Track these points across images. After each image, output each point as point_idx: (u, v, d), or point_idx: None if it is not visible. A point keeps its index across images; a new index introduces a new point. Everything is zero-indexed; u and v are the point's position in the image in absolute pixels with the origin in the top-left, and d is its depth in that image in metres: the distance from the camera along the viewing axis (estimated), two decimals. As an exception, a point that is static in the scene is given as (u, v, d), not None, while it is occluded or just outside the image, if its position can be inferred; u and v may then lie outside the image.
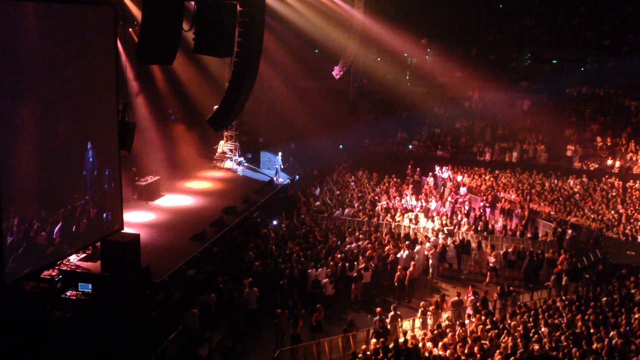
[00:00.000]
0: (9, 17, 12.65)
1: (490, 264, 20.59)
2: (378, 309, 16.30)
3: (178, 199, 24.24)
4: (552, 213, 24.78)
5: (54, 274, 15.25)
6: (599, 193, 27.21)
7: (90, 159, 15.63)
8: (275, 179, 28.05)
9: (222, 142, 29.93)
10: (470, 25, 40.39)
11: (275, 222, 23.35)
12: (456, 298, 17.48)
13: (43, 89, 13.85)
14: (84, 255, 16.84)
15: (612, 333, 14.51)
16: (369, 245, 20.75)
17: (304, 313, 16.57)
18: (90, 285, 15.35)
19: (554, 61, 38.00)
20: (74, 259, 16.52)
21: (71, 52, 14.62)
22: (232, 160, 29.66)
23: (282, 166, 29.14)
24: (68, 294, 15.16)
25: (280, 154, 29.21)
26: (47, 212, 14.31)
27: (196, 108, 27.29)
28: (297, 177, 28.92)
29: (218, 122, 17.82)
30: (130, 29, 22.46)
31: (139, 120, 22.22)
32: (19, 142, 13.32)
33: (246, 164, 29.99)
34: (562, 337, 14.48)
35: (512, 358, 13.33)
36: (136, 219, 20.72)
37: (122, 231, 17.31)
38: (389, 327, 15.66)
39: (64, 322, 13.98)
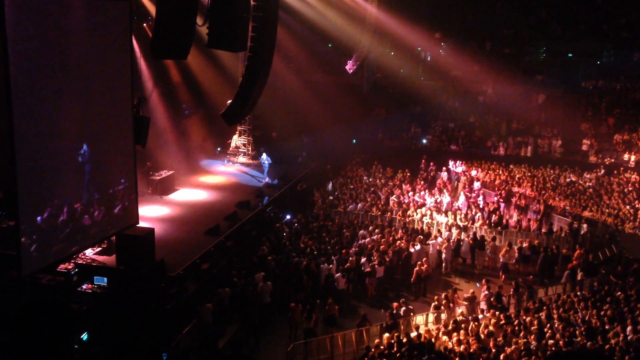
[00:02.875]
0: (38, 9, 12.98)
1: (501, 259, 20.48)
2: (395, 304, 16.32)
3: (192, 194, 24.35)
4: (567, 208, 24.59)
5: (70, 267, 15.42)
6: (615, 187, 26.95)
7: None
8: (263, 180, 26.80)
9: (235, 137, 29.98)
10: (485, 19, 40.09)
11: (288, 217, 23.39)
12: (470, 295, 17.40)
13: (61, 83, 14.00)
14: (99, 249, 16.98)
15: (628, 329, 14.41)
16: (383, 240, 20.74)
17: (319, 304, 16.59)
18: (105, 279, 15.49)
19: (570, 54, 37.63)
20: (89, 252, 16.67)
21: (88, 46, 14.72)
22: (245, 155, 29.71)
23: (269, 164, 27.43)
24: (84, 287, 15.32)
25: (264, 154, 27.70)
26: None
27: (210, 102, 27.36)
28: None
29: (231, 116, 17.88)
30: (145, 24, 22.59)
31: (153, 115, 22.33)
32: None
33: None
34: (577, 332, 14.42)
35: (524, 352, 13.30)
36: (150, 213, 20.85)
37: (137, 225, 17.44)
38: (401, 320, 15.68)
39: (80, 315, 14.13)
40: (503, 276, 20.10)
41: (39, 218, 13.58)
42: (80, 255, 16.18)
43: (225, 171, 28.30)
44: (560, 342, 13.88)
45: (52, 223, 14.04)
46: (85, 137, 15.03)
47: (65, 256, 14.95)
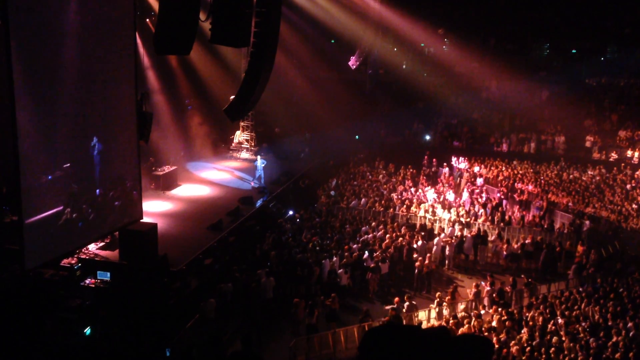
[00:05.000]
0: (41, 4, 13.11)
1: (504, 252, 20.75)
2: (396, 299, 16.32)
3: (194, 189, 24.37)
4: (570, 204, 24.55)
5: (73, 262, 15.44)
6: (619, 184, 26.89)
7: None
8: (252, 183, 25.54)
9: (238, 133, 30.01)
10: (489, 15, 39.96)
11: (291, 212, 23.39)
12: (475, 289, 17.40)
13: (65, 78, 14.02)
14: (102, 244, 17.03)
15: (629, 325, 14.41)
16: (386, 236, 20.74)
17: (322, 300, 16.60)
18: (108, 274, 15.53)
19: (574, 51, 37.53)
20: (92, 247, 16.71)
21: (92, 41, 14.73)
22: (247, 151, 29.72)
23: (261, 175, 25.55)
24: (87, 282, 15.36)
25: (259, 157, 26.44)
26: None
27: (212, 98, 27.38)
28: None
29: (234, 112, 17.83)
30: (147, 20, 22.57)
31: (156, 110, 22.32)
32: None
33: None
34: (580, 329, 14.41)
35: (528, 349, 13.30)
36: (153, 209, 20.86)
37: (140, 220, 17.44)
38: (403, 317, 15.69)
39: (82, 309, 14.16)
40: (510, 265, 20.39)
41: (42, 215, 13.61)
42: (83, 250, 16.22)
43: (230, 166, 28.28)
44: (564, 338, 13.88)
45: (59, 219, 14.07)
46: (89, 133, 15.04)
47: (68, 250, 14.99)
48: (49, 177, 13.76)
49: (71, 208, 14.38)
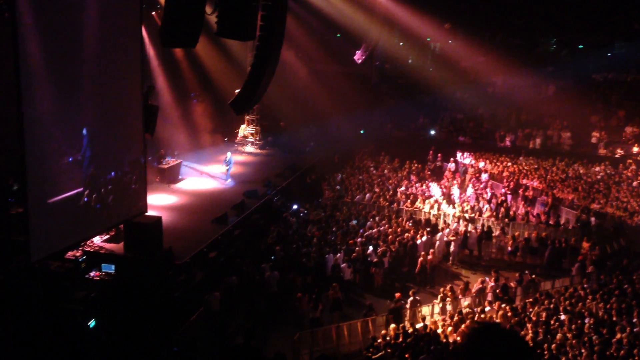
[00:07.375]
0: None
1: (509, 248, 20.85)
2: (397, 294, 16.33)
3: (199, 182, 24.38)
4: (575, 200, 24.47)
5: (78, 254, 15.49)
6: (625, 180, 26.78)
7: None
8: (224, 182, 24.55)
9: (243, 126, 30.01)
10: (495, 9, 39.72)
11: (295, 206, 23.39)
12: (480, 285, 17.38)
13: (71, 72, 14.03)
14: (107, 236, 17.07)
15: (634, 321, 14.37)
16: (390, 231, 20.72)
17: (325, 293, 16.63)
18: (113, 266, 15.56)
19: (580, 46, 37.30)
20: (97, 240, 16.76)
21: (99, 34, 14.72)
22: (253, 145, 29.71)
23: (231, 167, 24.94)
24: (92, 274, 15.40)
25: (229, 153, 25.46)
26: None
27: (218, 91, 27.37)
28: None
29: (240, 105, 17.81)
30: (154, 13, 22.54)
31: (162, 103, 22.33)
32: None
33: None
34: (584, 325, 14.39)
35: (532, 345, 13.28)
36: (158, 202, 20.90)
37: (145, 213, 17.47)
38: (407, 311, 15.71)
39: (87, 301, 14.22)
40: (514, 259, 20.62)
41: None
42: (88, 243, 16.27)
43: (235, 160, 28.18)
44: (568, 335, 13.87)
45: (63, 210, 14.10)
46: (94, 125, 15.03)
47: (76, 242, 15.03)
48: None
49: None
